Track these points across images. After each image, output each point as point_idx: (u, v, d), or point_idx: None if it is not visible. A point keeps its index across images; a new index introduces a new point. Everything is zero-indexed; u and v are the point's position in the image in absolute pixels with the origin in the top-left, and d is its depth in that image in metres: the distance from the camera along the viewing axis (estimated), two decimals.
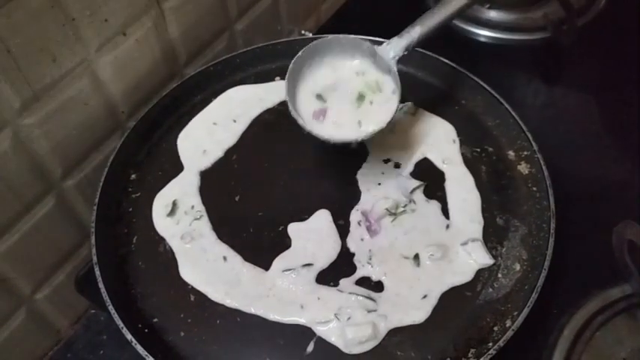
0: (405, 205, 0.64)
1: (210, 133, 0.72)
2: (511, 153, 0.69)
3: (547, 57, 0.94)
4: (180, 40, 0.76)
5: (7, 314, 0.65)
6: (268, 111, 0.75)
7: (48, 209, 0.65)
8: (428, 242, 0.61)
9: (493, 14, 0.96)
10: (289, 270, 0.60)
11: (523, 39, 0.93)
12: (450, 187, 0.67)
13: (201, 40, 0.80)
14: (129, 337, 0.54)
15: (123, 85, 0.70)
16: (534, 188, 0.65)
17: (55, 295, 0.70)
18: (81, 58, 0.63)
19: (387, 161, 0.69)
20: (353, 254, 0.61)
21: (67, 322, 0.73)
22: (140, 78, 0.72)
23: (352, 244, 0.62)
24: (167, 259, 0.62)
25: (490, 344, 0.53)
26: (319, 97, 0.63)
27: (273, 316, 0.57)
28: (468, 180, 0.67)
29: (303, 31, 0.96)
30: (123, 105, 0.71)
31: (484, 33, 0.94)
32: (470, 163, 0.69)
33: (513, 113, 0.70)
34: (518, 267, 0.60)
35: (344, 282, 0.59)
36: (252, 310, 0.58)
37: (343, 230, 0.63)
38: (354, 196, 0.66)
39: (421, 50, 0.77)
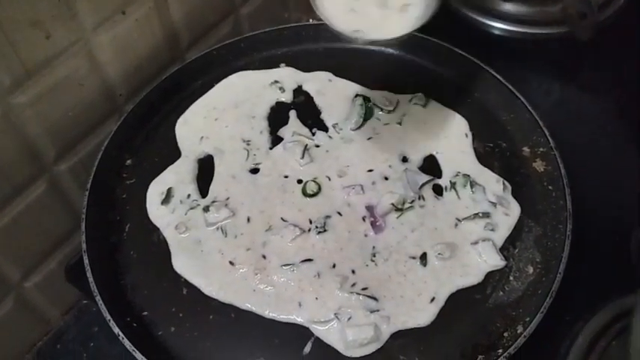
0: (413, 201, 0.61)
1: (210, 120, 0.69)
2: (526, 149, 0.66)
3: (564, 52, 0.90)
4: (183, 22, 0.74)
5: None
6: (271, 97, 0.72)
7: (39, 193, 0.64)
8: (436, 240, 0.59)
9: (509, 6, 0.93)
10: (288, 265, 0.57)
11: (539, 33, 0.90)
12: None
13: (205, 23, 0.78)
14: (116, 330, 0.52)
15: (121, 67, 0.68)
16: (550, 187, 0.62)
17: (45, 284, 0.68)
18: (77, 36, 0.61)
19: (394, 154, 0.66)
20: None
21: (57, 312, 0.71)
22: (140, 60, 0.71)
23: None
24: (160, 250, 0.60)
25: (500, 351, 0.52)
26: None
27: (270, 313, 0.55)
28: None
29: (311, 20, 0.93)
30: (121, 87, 0.70)
31: (499, 25, 0.91)
32: (482, 158, 0.66)
33: (530, 108, 0.67)
34: (531, 270, 0.57)
35: None
36: (248, 306, 0.55)
37: None
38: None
39: (434, 39, 0.74)
